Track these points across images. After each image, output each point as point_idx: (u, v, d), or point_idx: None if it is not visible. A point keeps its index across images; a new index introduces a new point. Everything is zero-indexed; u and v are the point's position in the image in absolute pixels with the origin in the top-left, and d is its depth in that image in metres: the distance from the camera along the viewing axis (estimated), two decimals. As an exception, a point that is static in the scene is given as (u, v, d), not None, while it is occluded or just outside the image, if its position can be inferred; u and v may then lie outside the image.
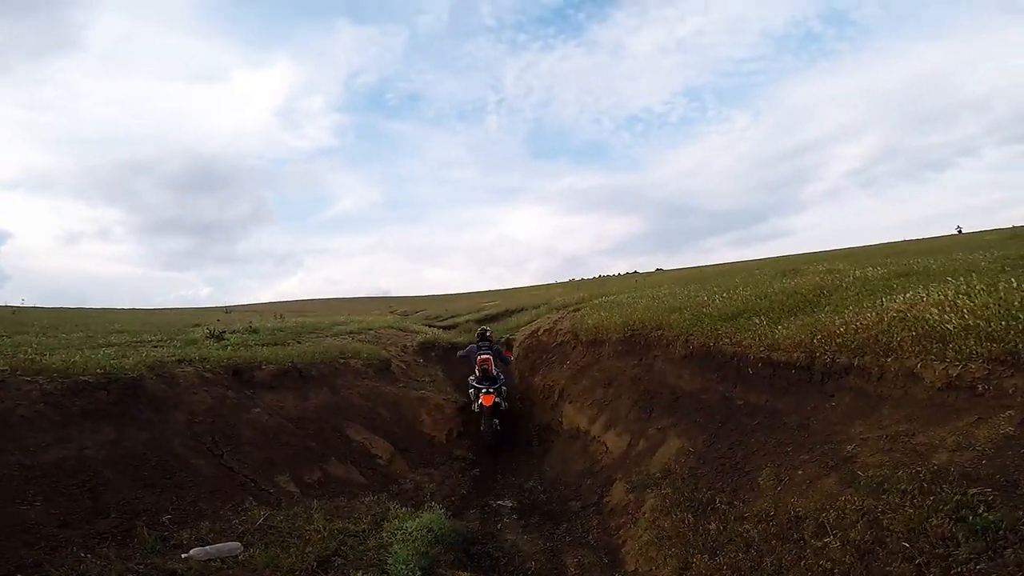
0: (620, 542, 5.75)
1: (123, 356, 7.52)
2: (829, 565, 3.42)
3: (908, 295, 5.93)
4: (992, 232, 18.67)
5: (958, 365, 4.21)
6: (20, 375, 5.83)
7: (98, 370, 6.41)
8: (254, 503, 5.67)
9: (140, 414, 6.25)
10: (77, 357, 6.99)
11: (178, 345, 9.54)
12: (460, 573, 5.15)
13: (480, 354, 10.57)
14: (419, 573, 4.61)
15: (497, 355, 10.88)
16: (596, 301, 14.24)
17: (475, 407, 10.15)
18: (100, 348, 8.33)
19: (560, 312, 15.27)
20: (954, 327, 4.65)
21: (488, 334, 11.63)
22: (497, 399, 10.05)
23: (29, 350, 7.34)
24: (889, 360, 4.80)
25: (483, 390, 10.01)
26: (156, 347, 9.07)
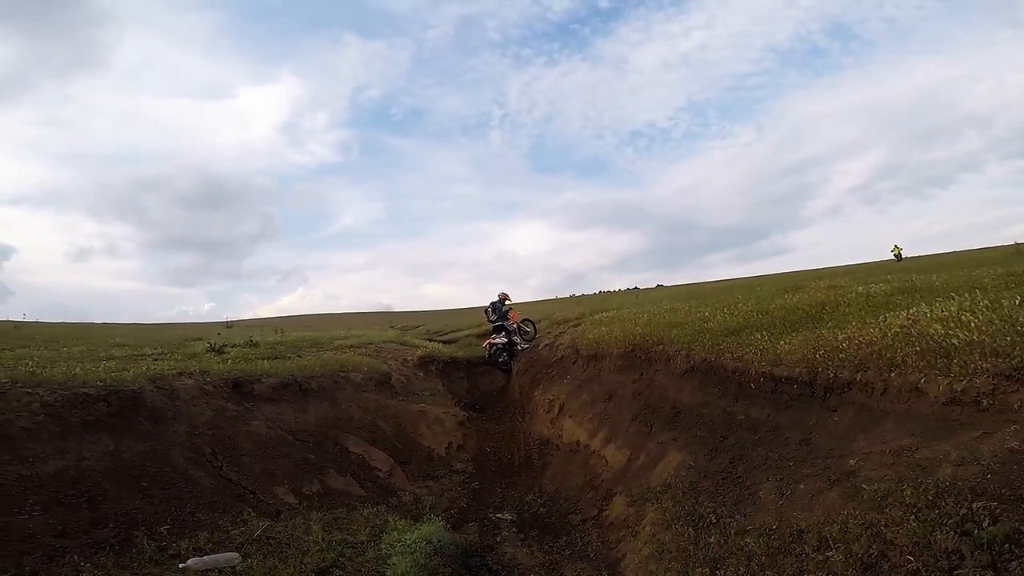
0: (620, 556, 5.70)
1: (123, 369, 7.54)
2: (832, 579, 3.38)
3: (912, 311, 5.90)
4: (994, 249, 18.66)
5: (963, 380, 4.19)
6: (21, 387, 5.84)
7: (98, 382, 6.42)
8: (252, 514, 5.64)
9: (140, 426, 6.25)
10: (78, 369, 7.00)
11: (179, 358, 9.55)
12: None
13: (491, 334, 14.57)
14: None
15: (504, 331, 14.44)
16: (597, 316, 14.23)
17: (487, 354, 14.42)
18: (101, 361, 8.35)
19: (560, 327, 15.25)
20: (959, 342, 4.63)
21: (502, 307, 14.61)
22: (497, 341, 14.20)
23: (30, 363, 7.36)
24: (892, 375, 4.78)
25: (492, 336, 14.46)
26: (157, 360, 9.08)
